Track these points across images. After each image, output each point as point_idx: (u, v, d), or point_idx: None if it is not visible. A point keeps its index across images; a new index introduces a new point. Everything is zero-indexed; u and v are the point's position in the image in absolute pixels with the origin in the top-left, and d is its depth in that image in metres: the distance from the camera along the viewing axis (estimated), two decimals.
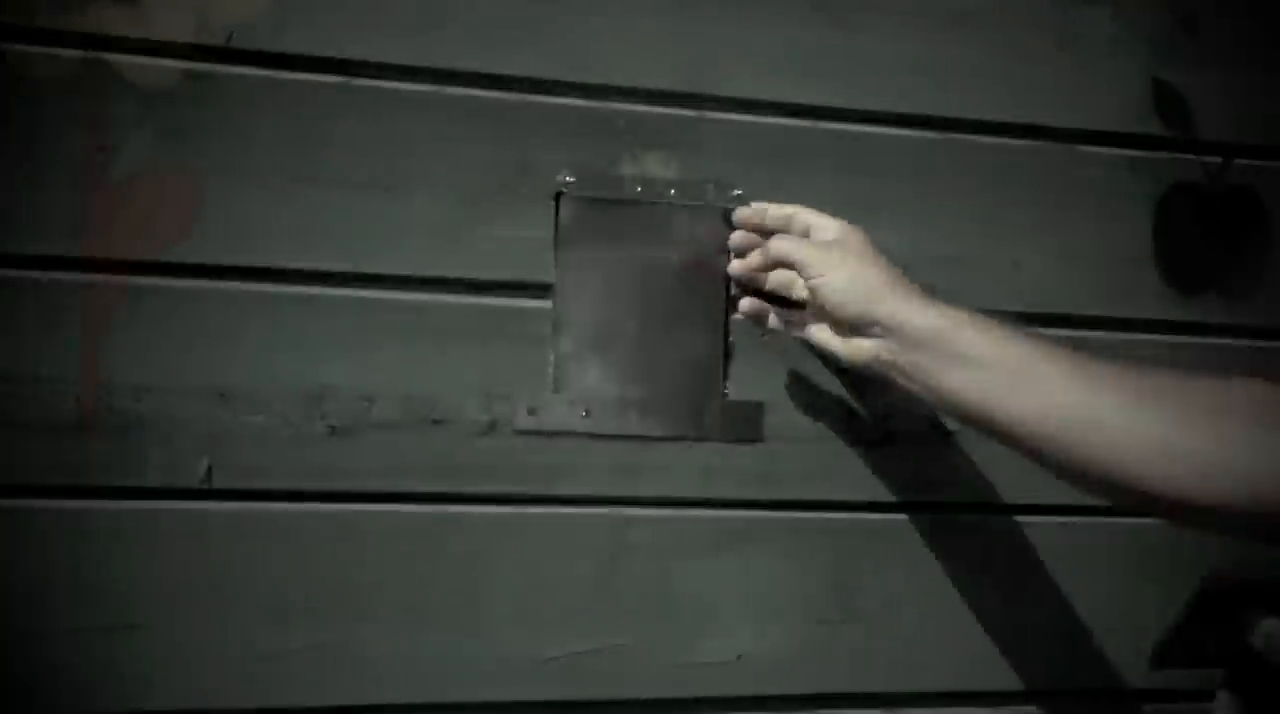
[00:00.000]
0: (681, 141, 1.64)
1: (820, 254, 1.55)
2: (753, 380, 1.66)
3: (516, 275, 1.60)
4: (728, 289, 1.64)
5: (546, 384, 1.60)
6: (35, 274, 1.46)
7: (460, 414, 1.58)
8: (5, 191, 1.45)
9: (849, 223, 1.57)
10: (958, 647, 1.73)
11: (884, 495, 1.70)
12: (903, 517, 1.71)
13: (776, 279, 1.61)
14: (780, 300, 1.62)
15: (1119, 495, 1.37)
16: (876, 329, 1.52)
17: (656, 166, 1.63)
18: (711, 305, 1.63)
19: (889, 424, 1.70)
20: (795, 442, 1.67)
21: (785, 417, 1.67)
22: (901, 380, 1.52)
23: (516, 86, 1.60)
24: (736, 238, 1.63)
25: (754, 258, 1.62)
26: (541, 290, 1.60)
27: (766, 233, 1.62)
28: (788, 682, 1.68)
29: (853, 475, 1.69)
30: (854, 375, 1.65)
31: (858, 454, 1.69)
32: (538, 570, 1.61)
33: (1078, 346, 1.44)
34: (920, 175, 1.71)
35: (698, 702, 1.65)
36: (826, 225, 1.58)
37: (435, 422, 1.57)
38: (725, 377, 1.65)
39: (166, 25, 1.49)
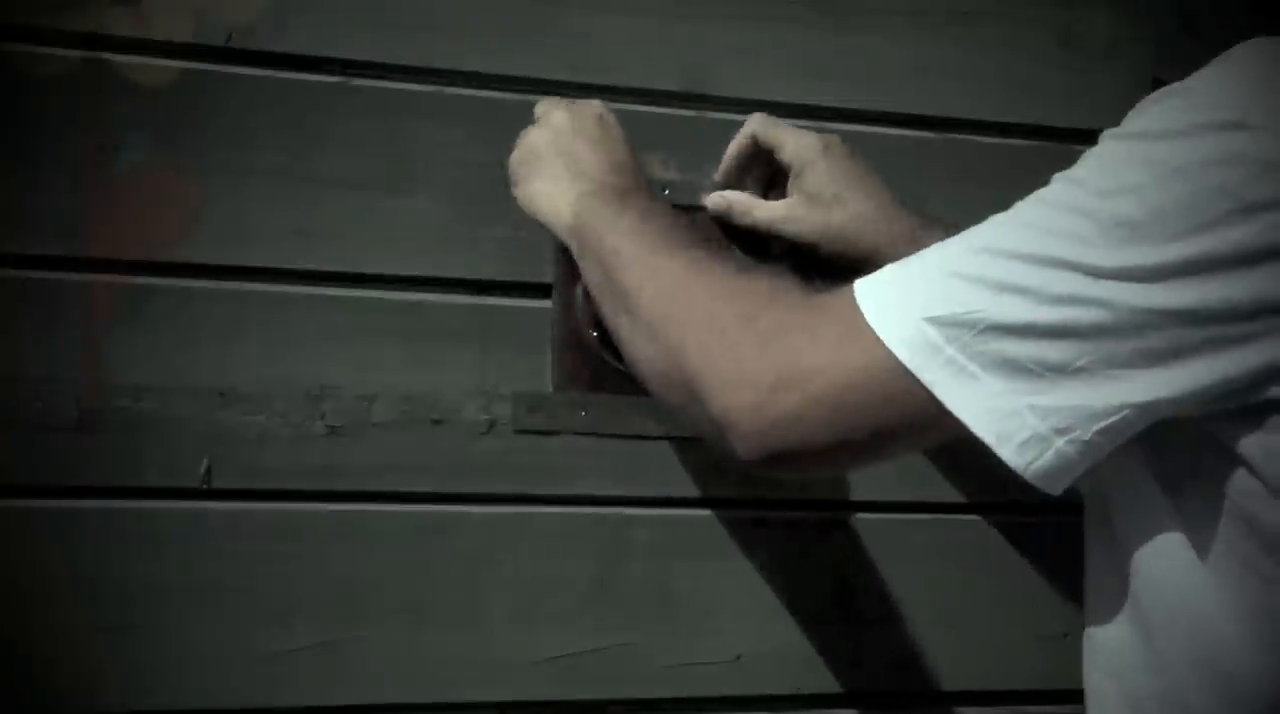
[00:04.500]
0: (681, 141, 1.64)
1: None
2: None
3: (516, 275, 1.60)
4: None
5: (546, 384, 1.60)
6: (35, 274, 1.46)
7: (460, 414, 1.58)
8: (5, 191, 1.45)
9: None
10: (958, 647, 1.73)
11: (884, 495, 1.70)
12: (903, 517, 1.71)
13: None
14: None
15: None
16: None
17: (656, 166, 1.62)
18: None
19: None
20: None
21: None
22: None
23: (516, 86, 1.59)
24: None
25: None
26: (541, 290, 1.60)
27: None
28: (788, 682, 1.68)
29: (853, 475, 1.69)
30: None
31: None
32: (538, 570, 1.61)
33: None
34: (920, 175, 1.71)
35: (697, 702, 1.65)
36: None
37: (435, 422, 1.57)
38: None
39: (166, 25, 1.49)
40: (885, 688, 1.71)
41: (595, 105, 1.52)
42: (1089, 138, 1.77)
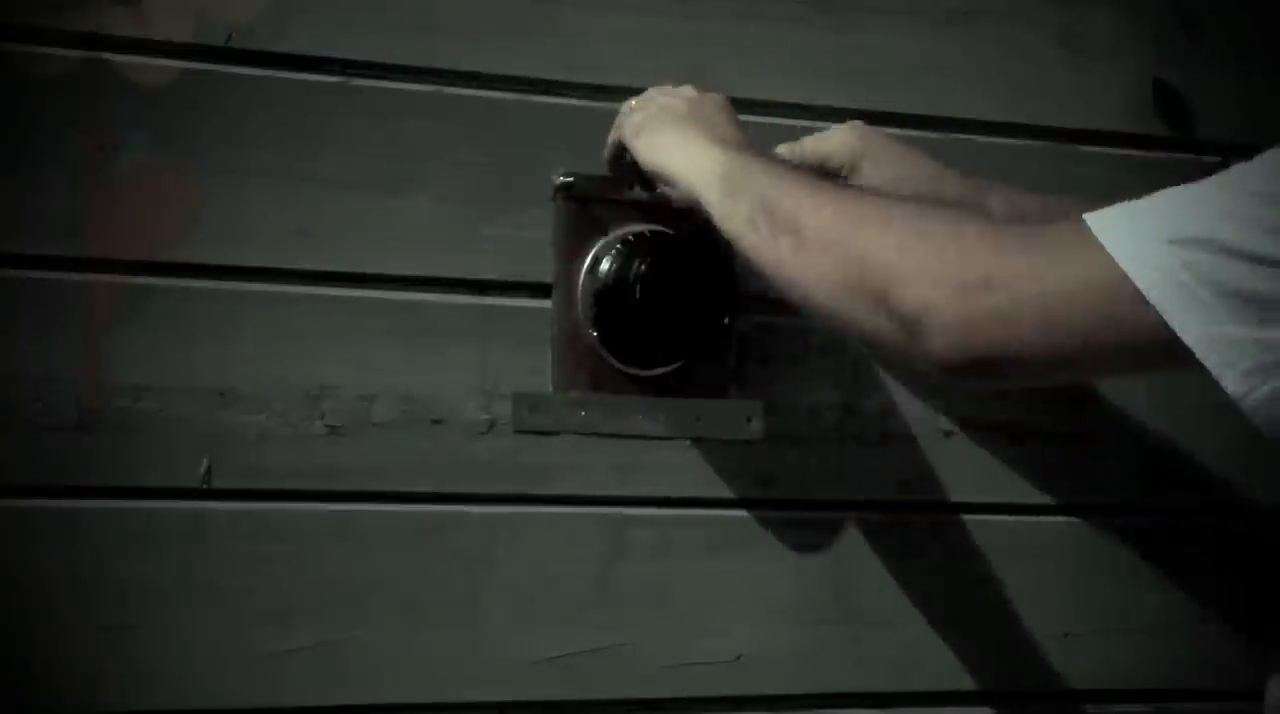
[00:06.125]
0: None
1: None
2: (753, 380, 1.66)
3: (516, 275, 1.60)
4: (731, 288, 1.63)
5: (546, 384, 1.60)
6: (35, 274, 1.46)
7: (460, 414, 1.58)
8: (5, 191, 1.45)
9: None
10: (958, 647, 1.73)
11: (884, 495, 1.70)
12: (903, 517, 1.71)
13: None
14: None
15: None
16: None
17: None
18: (713, 304, 1.63)
19: (888, 424, 1.70)
20: (795, 442, 1.67)
21: (785, 417, 1.67)
22: None
23: (516, 87, 1.60)
24: None
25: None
26: (541, 290, 1.60)
27: None
28: (788, 682, 1.68)
29: (853, 475, 1.69)
30: None
31: (858, 454, 1.69)
32: (538, 570, 1.61)
33: None
34: None
35: (697, 702, 1.65)
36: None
37: (435, 421, 1.57)
38: (726, 376, 1.65)
39: (166, 25, 1.49)
40: (885, 688, 1.71)
41: (716, 95, 1.53)
42: (1089, 137, 1.77)
